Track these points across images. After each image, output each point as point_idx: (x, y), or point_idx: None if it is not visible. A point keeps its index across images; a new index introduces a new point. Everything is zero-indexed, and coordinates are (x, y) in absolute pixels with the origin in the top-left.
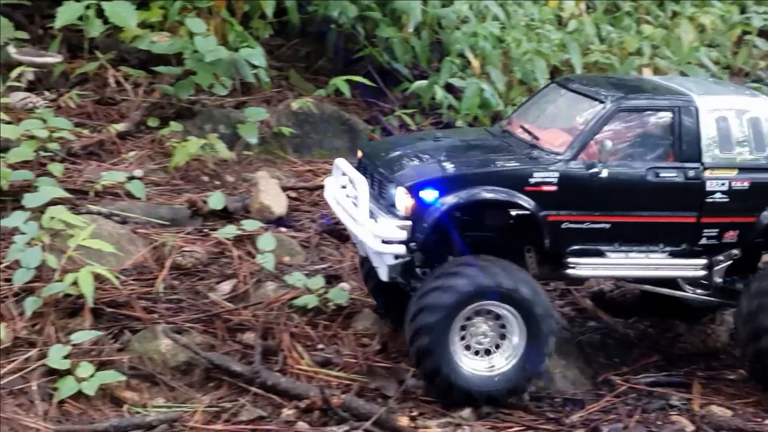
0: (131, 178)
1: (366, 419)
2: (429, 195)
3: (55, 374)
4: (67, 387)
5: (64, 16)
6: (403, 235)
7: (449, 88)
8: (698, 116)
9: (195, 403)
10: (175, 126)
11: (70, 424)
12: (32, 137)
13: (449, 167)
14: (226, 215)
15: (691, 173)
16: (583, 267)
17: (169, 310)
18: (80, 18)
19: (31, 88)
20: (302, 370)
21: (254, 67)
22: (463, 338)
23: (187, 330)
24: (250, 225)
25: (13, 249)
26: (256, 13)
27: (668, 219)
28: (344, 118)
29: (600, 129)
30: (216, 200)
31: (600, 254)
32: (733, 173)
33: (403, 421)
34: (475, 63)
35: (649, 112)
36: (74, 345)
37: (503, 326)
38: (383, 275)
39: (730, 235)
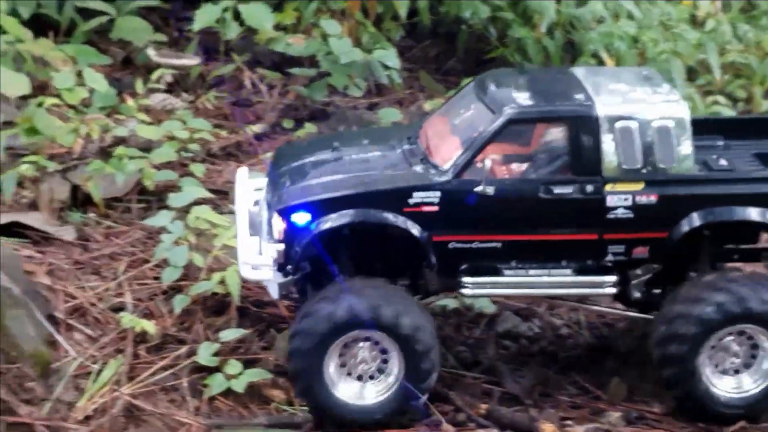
0: None
1: (510, 428)
2: (301, 218)
3: (204, 371)
4: (217, 384)
5: (203, 18)
6: (269, 260)
7: None
8: (598, 126)
9: None
10: (309, 127)
11: (220, 420)
12: (173, 138)
13: (324, 189)
14: None
15: (590, 188)
16: (477, 286)
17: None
18: (217, 20)
19: (169, 89)
20: (446, 371)
21: (387, 68)
22: (343, 364)
23: None
24: None
25: (160, 248)
26: (388, 14)
27: (566, 237)
28: None
29: (489, 143)
30: None
31: (496, 272)
32: (639, 187)
33: (548, 428)
34: (610, 63)
35: (544, 123)
36: (222, 343)
37: (385, 353)
38: (274, 293)
39: (640, 251)
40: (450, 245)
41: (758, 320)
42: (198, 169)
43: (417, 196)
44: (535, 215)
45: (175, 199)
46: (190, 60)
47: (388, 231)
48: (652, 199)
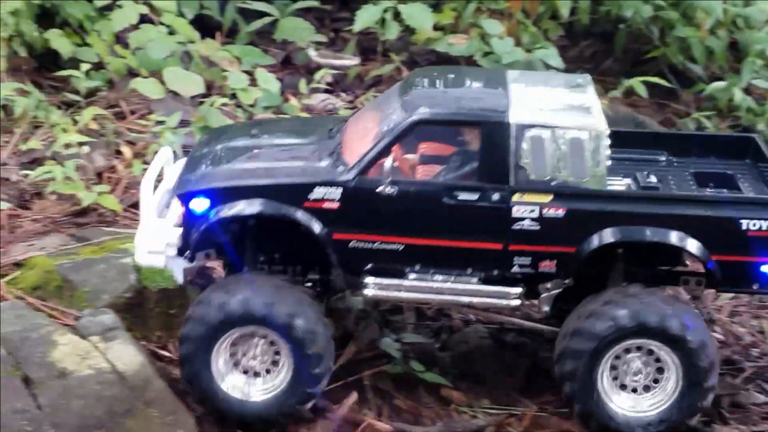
0: None
1: None
2: (199, 205)
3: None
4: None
5: (363, 19)
6: (163, 245)
7: (746, 89)
8: (508, 133)
9: (519, 407)
10: None
11: (402, 423)
12: None
13: (227, 176)
14: None
15: (495, 197)
16: (380, 288)
17: (486, 312)
18: (376, 21)
19: (328, 89)
20: None
21: (548, 67)
22: (234, 357)
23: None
24: None
25: None
26: (547, 13)
27: (471, 244)
28: (638, 120)
29: (395, 143)
30: None
31: (400, 275)
32: (547, 199)
33: None
34: None
35: (454, 126)
36: (404, 343)
37: (277, 353)
38: (179, 278)
39: (547, 265)
40: (351, 244)
41: (654, 335)
42: None
43: (318, 192)
44: (439, 220)
45: None
46: (350, 60)
47: (287, 225)
48: (560, 212)
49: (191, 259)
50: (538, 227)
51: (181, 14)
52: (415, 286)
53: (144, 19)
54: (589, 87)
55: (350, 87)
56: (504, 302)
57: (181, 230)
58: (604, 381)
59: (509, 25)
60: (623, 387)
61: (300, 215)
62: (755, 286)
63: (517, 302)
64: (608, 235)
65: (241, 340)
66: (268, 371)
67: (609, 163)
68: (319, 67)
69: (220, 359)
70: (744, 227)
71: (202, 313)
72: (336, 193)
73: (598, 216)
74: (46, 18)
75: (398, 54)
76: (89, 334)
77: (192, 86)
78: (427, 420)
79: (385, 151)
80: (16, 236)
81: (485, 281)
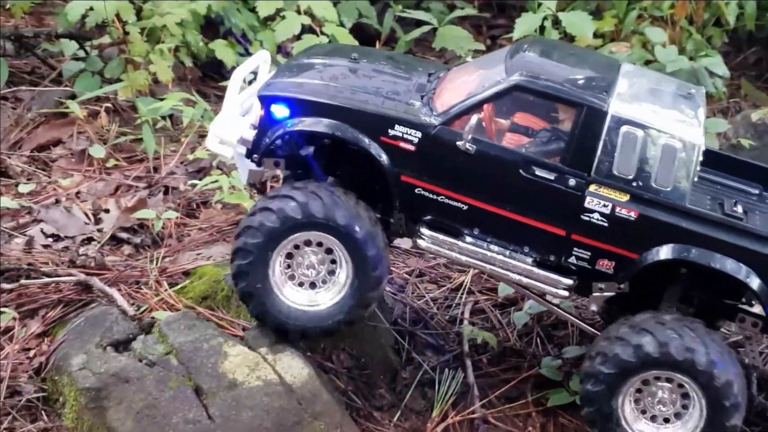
0: None
1: None
2: (279, 111)
3: (546, 387)
4: (559, 397)
5: (523, 26)
6: (236, 138)
7: None
8: (604, 123)
9: None
10: None
11: None
12: None
13: (314, 91)
14: None
15: (572, 182)
16: (434, 242)
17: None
18: (534, 29)
19: None
20: None
21: (713, 75)
22: (288, 267)
23: None
24: None
25: None
26: (711, 20)
27: (534, 223)
28: None
29: (488, 101)
30: None
31: (457, 235)
32: (623, 198)
33: None
34: None
35: (552, 101)
36: (564, 358)
37: (334, 261)
38: (243, 178)
39: (605, 264)
40: (416, 190)
41: (679, 368)
42: None
43: (398, 129)
44: (509, 190)
45: None
46: None
47: (360, 154)
48: (632, 215)
49: (258, 163)
50: (606, 224)
51: (341, 24)
52: (469, 250)
53: (304, 29)
54: (700, 99)
55: None
56: (552, 290)
57: (255, 131)
58: (626, 407)
59: (672, 32)
60: (644, 413)
61: (373, 148)
62: None
63: (565, 293)
64: (673, 251)
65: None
66: (323, 281)
67: (696, 179)
68: None
69: (277, 271)
70: None
71: (260, 220)
72: (415, 135)
73: (670, 229)
74: (210, 28)
75: None
76: (258, 345)
77: None
78: None
79: (474, 107)
80: (184, 245)
81: (539, 264)
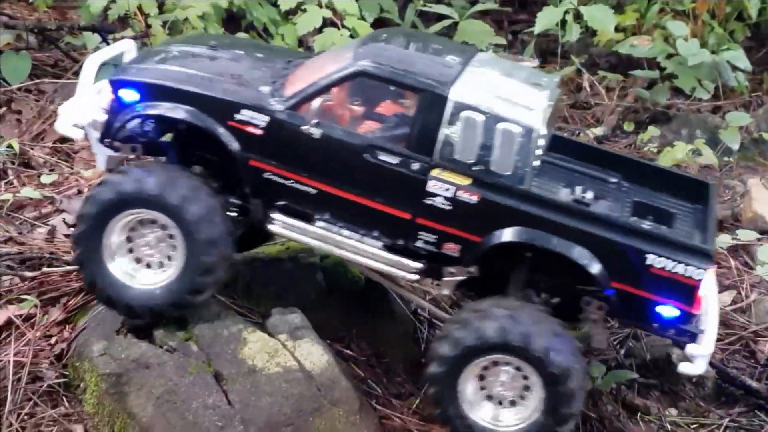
0: None
1: None
2: (128, 95)
3: None
4: None
5: (544, 20)
6: (86, 121)
7: None
8: (445, 108)
9: (708, 417)
10: (652, 130)
11: None
12: None
13: (163, 75)
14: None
15: (415, 166)
16: (285, 227)
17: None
18: (556, 23)
19: None
20: None
21: (735, 69)
22: (129, 241)
23: None
24: (745, 234)
25: None
26: (733, 14)
27: (381, 207)
28: None
29: (333, 86)
30: None
31: (309, 219)
32: (465, 182)
33: None
34: None
35: (395, 86)
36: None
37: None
38: (101, 163)
39: (451, 248)
40: (265, 174)
41: (516, 353)
42: None
43: (244, 114)
44: (355, 174)
45: None
46: (530, 62)
47: (213, 140)
48: (474, 198)
49: (111, 148)
50: (449, 207)
51: (362, 18)
52: (319, 234)
53: (326, 23)
54: (549, 89)
55: None
56: (402, 274)
57: (103, 115)
58: (468, 389)
59: (694, 26)
60: (488, 397)
61: (221, 132)
62: (650, 325)
63: (415, 277)
64: (513, 234)
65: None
66: (162, 262)
67: (536, 164)
68: None
69: (112, 241)
70: (648, 262)
71: (97, 192)
72: (262, 119)
73: (511, 212)
74: (232, 21)
75: (578, 56)
76: (277, 332)
77: None
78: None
79: (320, 92)
80: None
81: (389, 248)
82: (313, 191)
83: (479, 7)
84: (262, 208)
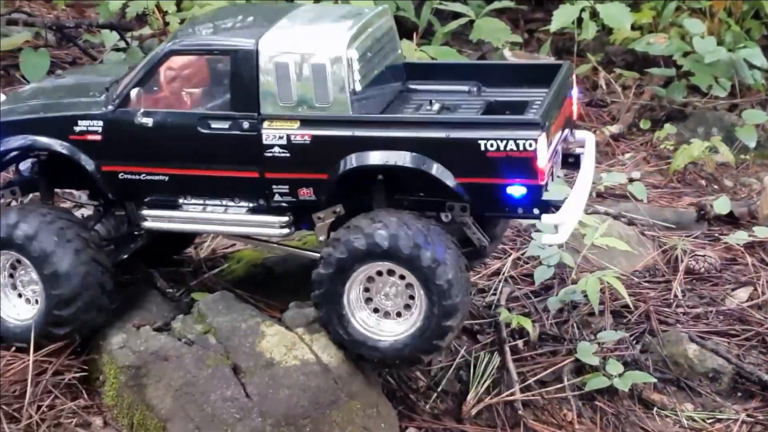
0: (631, 180)
1: None
2: None
3: (583, 372)
4: (596, 381)
5: (560, 19)
6: None
7: None
8: (258, 62)
9: (725, 413)
10: (668, 128)
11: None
12: None
13: (6, 113)
14: (731, 220)
15: (246, 125)
16: (154, 219)
17: (686, 315)
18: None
19: None
20: None
21: (752, 68)
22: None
23: (706, 336)
24: (761, 231)
25: (532, 245)
26: (750, 12)
27: (229, 173)
28: None
29: (151, 73)
30: (722, 204)
31: (175, 207)
32: (294, 126)
33: None
34: None
35: (206, 55)
36: (600, 344)
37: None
38: None
39: (306, 193)
40: (120, 176)
41: (403, 262)
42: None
43: (82, 125)
44: (196, 150)
45: None
46: (546, 60)
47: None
48: (307, 139)
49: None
50: (288, 154)
51: None
52: (187, 217)
53: None
54: (365, 17)
55: None
56: (272, 231)
57: None
58: (351, 294)
59: (710, 24)
60: (370, 305)
61: (67, 148)
62: (506, 210)
63: (284, 231)
64: (351, 161)
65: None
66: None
67: (358, 88)
68: None
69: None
70: (483, 148)
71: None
72: (98, 125)
73: (342, 142)
74: None
75: (594, 54)
76: (295, 326)
77: None
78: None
79: (140, 82)
80: None
81: (254, 211)
82: (165, 178)
83: (495, 5)
84: (135, 209)
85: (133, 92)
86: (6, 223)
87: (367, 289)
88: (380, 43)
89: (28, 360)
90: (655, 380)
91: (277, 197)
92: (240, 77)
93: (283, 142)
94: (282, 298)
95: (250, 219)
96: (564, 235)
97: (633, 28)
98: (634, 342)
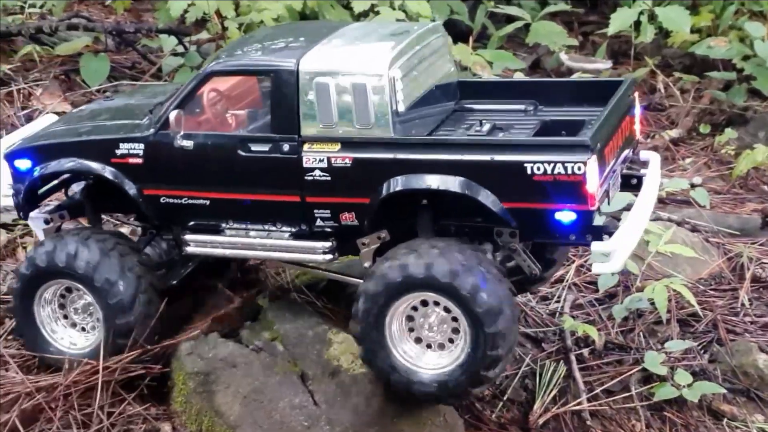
0: (693, 185)
1: None
2: (22, 164)
3: (650, 381)
4: (664, 391)
5: (618, 22)
6: (10, 201)
7: None
8: (298, 82)
9: None
10: (729, 133)
11: None
12: None
13: (49, 137)
14: None
15: (286, 147)
16: (197, 245)
17: (754, 324)
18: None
19: None
20: None
21: None
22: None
23: None
24: None
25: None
26: None
27: (270, 197)
28: None
29: (191, 95)
30: None
31: (218, 231)
32: (335, 148)
33: None
34: None
35: (246, 76)
36: (667, 353)
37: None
38: (40, 235)
39: (348, 218)
40: (162, 200)
41: (442, 291)
42: None
43: (123, 148)
44: (237, 173)
45: (605, 205)
46: (603, 64)
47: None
48: (347, 162)
49: (24, 216)
50: (329, 178)
51: (433, 19)
52: (231, 243)
53: None
54: (411, 34)
55: None
56: (314, 257)
57: (11, 189)
58: (393, 327)
59: None
60: (417, 340)
61: (107, 171)
62: (557, 236)
63: (327, 257)
64: (395, 185)
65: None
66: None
67: (401, 108)
68: (568, 70)
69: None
70: (529, 172)
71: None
72: (139, 148)
73: (384, 164)
74: None
75: (651, 57)
76: None
77: None
78: None
79: (181, 105)
80: None
81: (296, 236)
82: (207, 202)
83: (551, 8)
84: (180, 234)
85: (173, 114)
86: (66, 252)
87: (411, 318)
88: (428, 60)
89: (98, 366)
90: (725, 391)
91: (319, 222)
92: (280, 98)
93: (324, 165)
94: (347, 305)
95: (292, 245)
96: (616, 263)
97: (691, 31)
98: (702, 351)
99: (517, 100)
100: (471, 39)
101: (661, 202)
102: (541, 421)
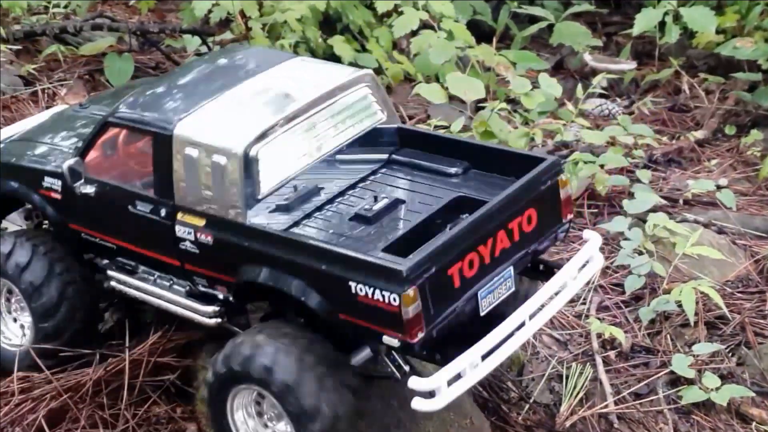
0: (719, 187)
1: None
2: None
3: (677, 384)
4: (692, 395)
5: (643, 22)
6: None
7: None
8: (171, 146)
9: None
10: (755, 134)
11: None
12: (613, 144)
13: (6, 153)
14: None
15: (163, 212)
16: (115, 282)
17: None
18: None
19: (604, 94)
20: None
21: None
22: None
23: None
24: None
25: (621, 254)
26: None
27: (158, 256)
28: None
29: (92, 142)
30: None
31: (133, 273)
32: (201, 223)
33: None
34: None
35: (135, 131)
36: (695, 356)
37: None
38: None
39: (222, 290)
40: (83, 235)
41: (256, 382)
42: (644, 175)
43: (47, 181)
44: (130, 226)
45: (630, 206)
46: (627, 65)
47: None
48: (209, 239)
49: None
50: (197, 250)
51: (456, 20)
52: (139, 287)
53: (421, 25)
54: (306, 99)
55: (625, 92)
56: (201, 319)
57: None
58: (237, 418)
59: None
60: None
61: (38, 201)
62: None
63: (213, 321)
64: (247, 273)
65: None
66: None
67: (262, 192)
68: (592, 71)
69: None
70: (353, 291)
71: None
72: (57, 185)
73: (239, 250)
74: (327, 24)
75: (676, 58)
76: None
77: (474, 91)
78: None
79: (86, 150)
80: None
81: (189, 295)
82: (113, 246)
83: (575, 8)
84: (106, 267)
85: (66, 164)
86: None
87: (259, 403)
88: (332, 121)
89: (125, 363)
90: (753, 394)
91: (200, 287)
92: (159, 161)
93: (192, 237)
94: None
95: (184, 302)
96: (440, 402)
97: (717, 31)
98: (730, 354)
99: (452, 159)
100: (494, 39)
101: (686, 203)
102: (567, 423)
